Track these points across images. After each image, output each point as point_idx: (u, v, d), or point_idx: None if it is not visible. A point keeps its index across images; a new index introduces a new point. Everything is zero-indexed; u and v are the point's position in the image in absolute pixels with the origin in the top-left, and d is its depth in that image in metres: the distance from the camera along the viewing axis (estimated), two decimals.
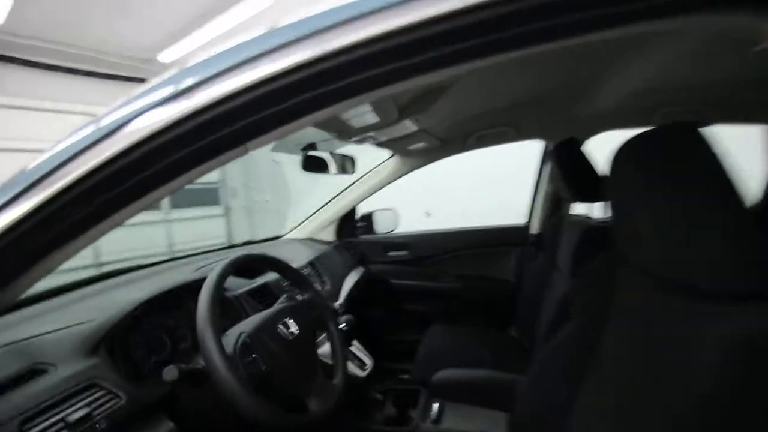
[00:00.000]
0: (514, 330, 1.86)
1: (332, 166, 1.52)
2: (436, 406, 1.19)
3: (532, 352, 1.27)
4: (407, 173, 1.95)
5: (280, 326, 0.87)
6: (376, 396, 1.38)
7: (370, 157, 1.95)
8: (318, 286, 1.43)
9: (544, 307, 1.32)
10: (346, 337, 1.31)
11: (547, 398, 0.72)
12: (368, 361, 1.36)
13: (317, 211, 2.09)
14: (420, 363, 1.52)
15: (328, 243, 2.02)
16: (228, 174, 5.96)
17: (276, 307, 0.94)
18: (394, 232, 2.22)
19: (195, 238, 5.06)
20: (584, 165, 1.16)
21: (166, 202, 5.34)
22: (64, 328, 0.79)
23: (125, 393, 0.74)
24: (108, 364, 0.76)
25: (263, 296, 1.19)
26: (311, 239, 2.04)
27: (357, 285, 1.84)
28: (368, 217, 2.24)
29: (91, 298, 0.98)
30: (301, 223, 2.12)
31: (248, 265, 0.97)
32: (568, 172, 1.18)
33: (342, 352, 1.01)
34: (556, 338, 0.75)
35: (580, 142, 1.25)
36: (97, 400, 0.70)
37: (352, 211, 2.12)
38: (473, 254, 2.09)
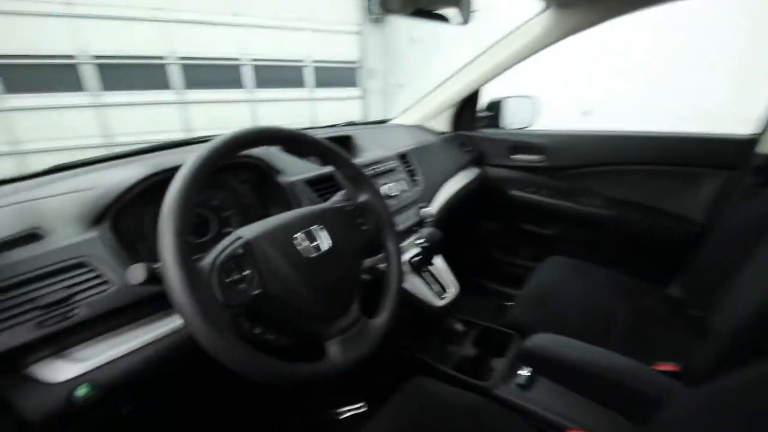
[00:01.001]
0: (678, 290, 1.30)
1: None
2: (526, 370, 0.87)
3: (704, 340, 0.79)
4: (562, 39, 1.32)
5: (300, 236, 0.62)
6: (455, 327, 1.12)
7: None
8: (402, 186, 1.13)
9: (750, 277, 0.78)
10: (426, 256, 1.02)
11: None
12: (452, 288, 1.07)
13: (432, 91, 1.67)
14: (520, 303, 1.17)
15: (440, 134, 1.64)
16: (367, 53, 5.69)
17: (303, 209, 0.69)
18: (528, 128, 1.68)
19: (334, 119, 5.22)
20: None
21: (311, 80, 5.46)
22: (69, 193, 0.68)
23: (117, 280, 0.62)
24: (106, 242, 0.64)
25: (328, 190, 0.95)
26: (420, 127, 1.68)
27: (464, 190, 1.48)
28: (496, 105, 1.73)
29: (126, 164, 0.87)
30: (411, 107, 1.76)
31: (288, 146, 0.71)
32: None
33: (397, 281, 0.73)
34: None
35: None
36: (81, 282, 0.59)
37: (475, 94, 1.64)
38: (645, 173, 1.43)
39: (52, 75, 3.81)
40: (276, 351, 0.65)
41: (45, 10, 3.65)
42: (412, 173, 1.21)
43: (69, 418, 0.55)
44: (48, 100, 3.84)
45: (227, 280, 0.53)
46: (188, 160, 0.55)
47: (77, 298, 0.58)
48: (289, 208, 0.86)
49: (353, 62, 5.72)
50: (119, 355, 0.61)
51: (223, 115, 4.78)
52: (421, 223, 1.12)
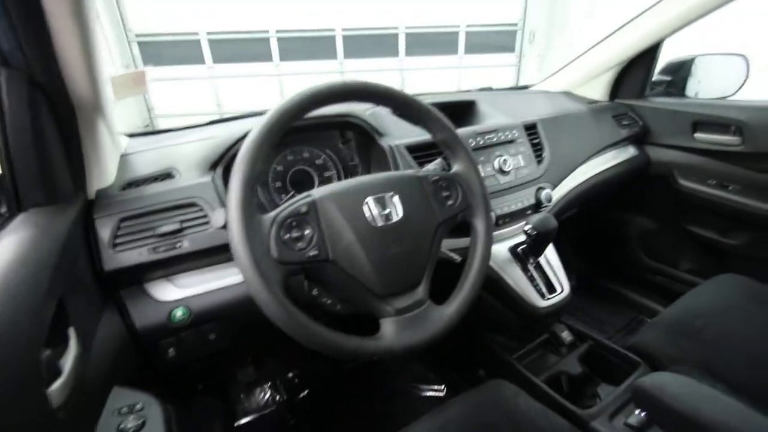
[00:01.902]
0: None
1: None
2: (641, 413, 0.67)
3: None
4: None
5: (371, 202, 0.58)
6: (561, 335, 0.93)
7: None
8: (520, 161, 0.97)
9: None
10: (533, 246, 0.87)
11: None
12: (558, 287, 0.89)
13: (586, 51, 1.37)
14: (662, 324, 0.91)
15: (592, 102, 1.35)
16: (530, 14, 5.12)
17: (378, 174, 0.63)
18: (728, 98, 1.25)
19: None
20: None
21: (462, 45, 5.25)
22: (197, 141, 0.78)
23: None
24: (216, 186, 0.72)
25: (431, 156, 0.88)
26: (568, 93, 1.42)
27: (612, 173, 1.21)
28: (678, 68, 1.33)
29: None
30: (560, 69, 1.49)
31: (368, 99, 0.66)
32: None
33: (479, 268, 0.63)
34: None
35: None
36: (190, 219, 0.68)
37: (650, 53, 1.28)
38: None
39: (177, 51, 4.42)
40: (331, 316, 0.64)
41: None
42: (538, 147, 1.03)
43: (165, 333, 0.65)
44: (172, 71, 4.49)
45: (286, 237, 0.52)
46: (267, 113, 0.56)
47: (185, 232, 0.67)
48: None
49: (512, 24, 5.21)
50: (212, 289, 0.69)
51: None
52: (537, 207, 0.95)
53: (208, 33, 4.44)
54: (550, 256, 0.93)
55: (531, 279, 0.87)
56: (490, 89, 1.53)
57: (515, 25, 5.26)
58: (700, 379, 0.63)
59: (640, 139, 1.32)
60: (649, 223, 1.44)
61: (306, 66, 4.92)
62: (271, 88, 4.80)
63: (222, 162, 0.75)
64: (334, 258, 0.54)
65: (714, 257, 1.30)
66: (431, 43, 5.16)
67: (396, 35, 5.02)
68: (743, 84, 1.26)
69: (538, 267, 0.90)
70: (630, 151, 1.29)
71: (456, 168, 0.67)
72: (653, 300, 1.43)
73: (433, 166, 0.70)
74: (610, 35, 1.30)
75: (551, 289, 0.89)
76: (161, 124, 4.42)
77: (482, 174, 0.86)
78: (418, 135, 0.89)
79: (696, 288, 1.03)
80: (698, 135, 1.23)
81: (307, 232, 0.54)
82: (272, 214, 0.53)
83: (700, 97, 1.30)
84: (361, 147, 0.91)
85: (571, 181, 1.09)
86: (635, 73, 1.32)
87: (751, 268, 1.21)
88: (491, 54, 5.35)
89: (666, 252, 1.42)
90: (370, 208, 0.57)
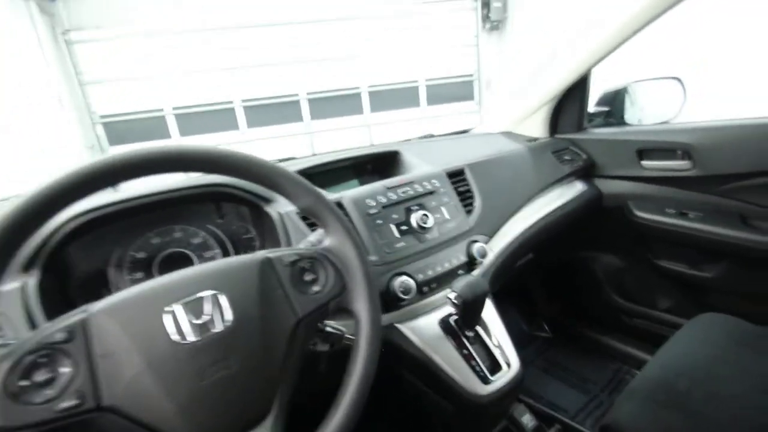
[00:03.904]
0: None
1: None
2: None
3: None
4: None
5: (177, 310, 0.40)
6: (521, 421, 0.75)
7: None
8: (444, 213, 0.84)
9: None
10: (465, 316, 0.72)
11: None
12: (504, 365, 0.72)
13: (524, 87, 1.31)
14: (635, 394, 0.74)
15: (531, 140, 1.27)
16: (483, 64, 5.38)
17: (194, 268, 0.45)
18: (665, 124, 1.19)
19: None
20: None
21: (423, 97, 5.43)
22: None
23: None
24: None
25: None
26: (509, 133, 1.34)
27: (561, 213, 1.09)
28: (614, 97, 1.28)
29: None
30: (503, 109, 1.43)
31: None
32: None
33: (364, 371, 0.46)
34: None
35: None
36: None
37: (581, 84, 1.22)
38: None
39: (143, 127, 4.44)
40: None
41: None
42: (467, 196, 0.91)
43: None
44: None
45: (23, 383, 0.35)
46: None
47: None
48: (276, 244, 0.69)
49: (469, 75, 5.46)
50: None
51: (343, 141, 5.08)
52: (471, 264, 0.82)
53: (174, 108, 4.52)
54: (490, 322, 0.77)
55: (468, 358, 0.71)
56: (431, 136, 1.45)
57: (471, 75, 5.51)
58: None
59: (587, 173, 1.23)
60: (616, 261, 1.31)
61: (274, 131, 5.00)
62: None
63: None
64: (111, 403, 0.37)
65: (692, 292, 1.16)
66: (394, 98, 5.34)
67: (359, 94, 5.19)
68: (682, 106, 1.20)
69: (479, 340, 0.74)
70: (578, 187, 1.19)
71: (327, 242, 0.52)
72: (635, 347, 1.28)
73: (315, 238, 0.57)
74: (541, 70, 1.25)
75: (497, 367, 0.72)
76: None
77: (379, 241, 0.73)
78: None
79: (675, 335, 0.88)
80: (645, 162, 1.14)
81: (63, 370, 0.36)
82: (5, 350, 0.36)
83: (638, 122, 1.23)
84: (255, 216, 0.78)
85: (512, 228, 0.97)
86: (570, 106, 1.26)
87: (733, 303, 1.07)
88: (453, 103, 5.55)
89: (640, 291, 1.28)
90: (177, 318, 0.40)
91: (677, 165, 1.07)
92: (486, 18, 5.24)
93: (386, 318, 0.72)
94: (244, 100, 4.71)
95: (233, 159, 0.47)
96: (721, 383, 0.73)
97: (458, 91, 5.51)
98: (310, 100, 5.04)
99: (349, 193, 0.76)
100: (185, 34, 4.33)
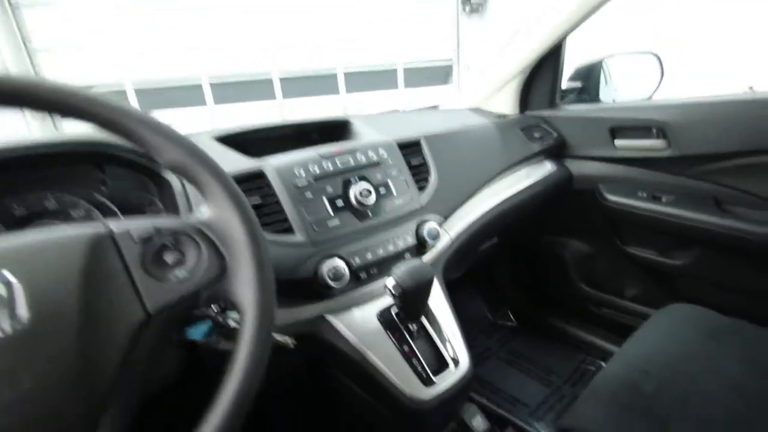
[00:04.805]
0: None
1: None
2: None
3: None
4: None
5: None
6: (471, 424, 0.67)
7: None
8: (390, 188, 0.73)
9: None
10: (407, 308, 0.61)
11: None
12: (450, 361, 0.63)
13: (495, 61, 1.20)
14: (597, 395, 0.67)
15: (500, 116, 1.17)
16: (462, 49, 5.31)
17: None
18: (646, 100, 1.11)
19: None
20: None
21: (401, 80, 5.35)
22: None
23: None
24: None
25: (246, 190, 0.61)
26: (477, 109, 1.24)
27: (528, 194, 1.00)
28: (588, 72, 1.19)
29: None
30: (474, 85, 1.31)
31: None
32: None
33: (246, 376, 0.34)
34: None
35: None
36: None
37: (554, 56, 1.12)
38: None
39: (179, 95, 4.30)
40: None
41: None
42: (421, 170, 0.80)
43: None
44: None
45: None
46: None
47: None
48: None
49: (448, 59, 5.37)
50: None
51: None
52: (421, 247, 0.71)
53: (135, 84, 4.29)
54: (439, 313, 0.67)
55: (409, 356, 0.60)
56: (395, 111, 1.33)
57: (450, 60, 5.42)
58: None
59: (558, 152, 1.14)
60: (584, 247, 1.23)
61: (246, 107, 4.83)
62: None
63: None
64: None
65: (662, 281, 1.10)
66: (372, 81, 5.23)
67: (335, 75, 5.06)
68: (660, 83, 1.12)
69: (423, 333, 0.64)
70: (547, 167, 1.10)
71: (204, 211, 0.39)
72: (601, 337, 1.23)
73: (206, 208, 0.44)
74: (511, 42, 1.14)
75: (443, 365, 0.62)
76: None
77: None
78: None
79: (642, 327, 0.82)
80: (618, 142, 1.05)
81: None
82: None
83: (618, 101, 1.15)
84: (159, 184, 0.64)
85: (473, 208, 0.87)
86: (542, 81, 1.16)
87: (702, 291, 1.01)
88: (431, 86, 5.47)
89: (608, 279, 1.21)
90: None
91: (652, 144, 0.99)
92: (466, 0, 5.11)
93: (314, 308, 0.61)
94: (212, 77, 4.51)
95: (69, 96, 0.33)
96: (689, 383, 0.66)
97: (437, 75, 5.43)
98: (282, 79, 4.87)
99: (273, 160, 0.64)
100: (157, 11, 4.10)
